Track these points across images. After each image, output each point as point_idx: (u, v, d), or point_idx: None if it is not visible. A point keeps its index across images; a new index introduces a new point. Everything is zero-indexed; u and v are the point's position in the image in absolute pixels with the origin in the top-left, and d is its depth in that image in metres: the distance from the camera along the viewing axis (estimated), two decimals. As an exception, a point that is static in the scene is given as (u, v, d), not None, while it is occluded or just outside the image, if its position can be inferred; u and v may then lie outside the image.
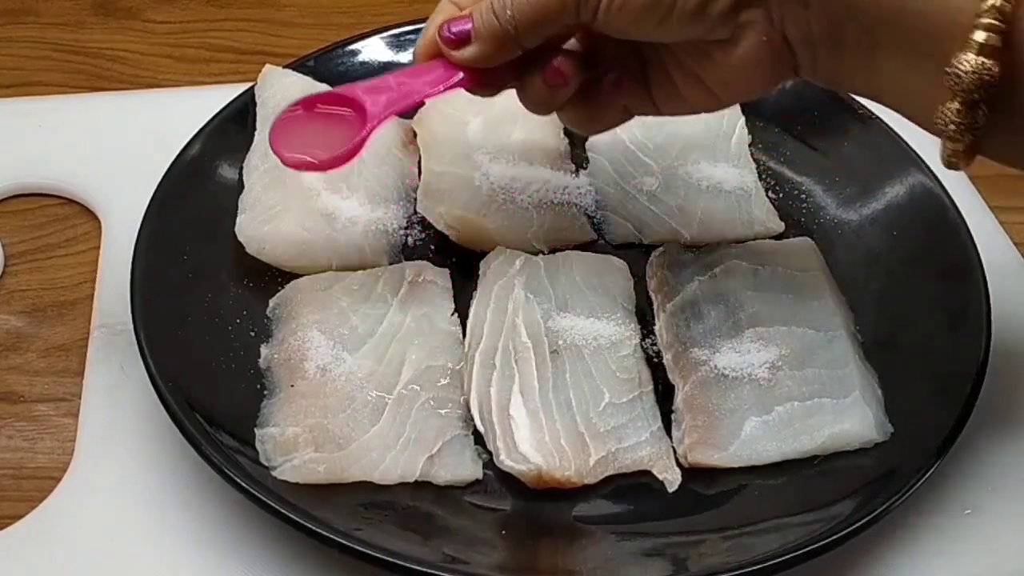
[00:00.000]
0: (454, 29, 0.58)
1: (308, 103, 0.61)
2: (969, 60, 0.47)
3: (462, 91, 0.79)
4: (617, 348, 0.65)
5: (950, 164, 0.51)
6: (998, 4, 0.46)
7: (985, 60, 0.47)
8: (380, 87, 0.60)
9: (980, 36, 0.47)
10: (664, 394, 0.64)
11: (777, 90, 0.79)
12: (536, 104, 0.61)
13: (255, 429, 0.60)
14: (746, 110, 0.79)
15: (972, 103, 0.48)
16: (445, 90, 0.59)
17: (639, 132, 0.78)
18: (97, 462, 0.62)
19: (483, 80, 0.60)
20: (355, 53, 0.81)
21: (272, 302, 0.67)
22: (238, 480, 0.55)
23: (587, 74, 0.60)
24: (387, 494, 0.58)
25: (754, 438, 0.61)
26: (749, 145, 0.78)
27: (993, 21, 0.47)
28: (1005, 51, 0.47)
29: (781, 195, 0.76)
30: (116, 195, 0.76)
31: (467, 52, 0.58)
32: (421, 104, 0.63)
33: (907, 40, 0.50)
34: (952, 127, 0.49)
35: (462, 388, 0.63)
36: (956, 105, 0.48)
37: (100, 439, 0.63)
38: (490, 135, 0.76)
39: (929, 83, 0.50)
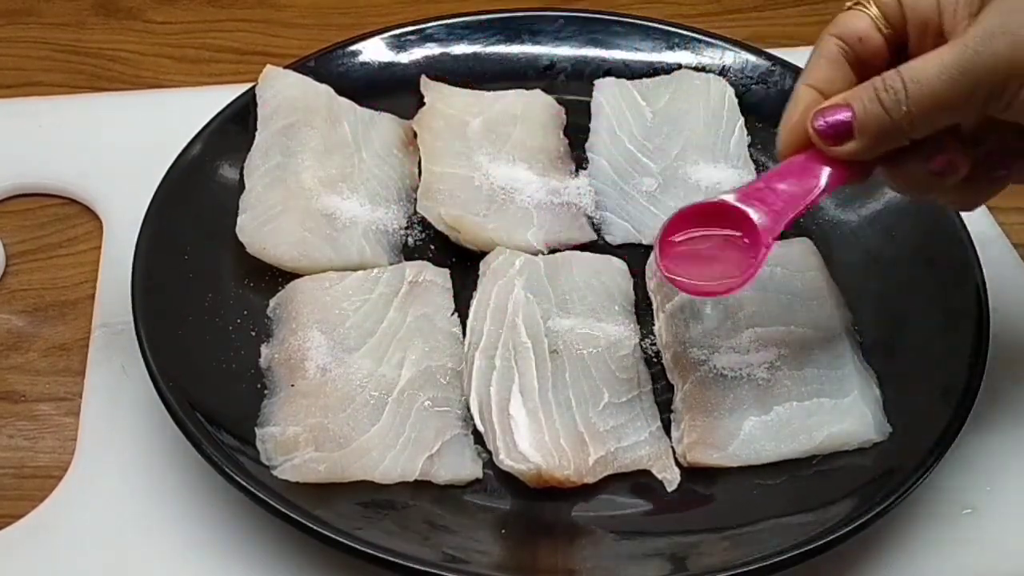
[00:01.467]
0: (830, 120, 0.53)
1: (689, 216, 0.58)
2: None
3: (461, 93, 0.80)
4: (616, 348, 0.65)
5: None
6: None
7: None
8: (761, 197, 0.56)
9: None
10: (663, 394, 0.64)
11: (777, 90, 0.80)
12: (914, 189, 0.56)
13: (256, 428, 0.60)
14: (746, 110, 0.79)
15: None
16: (828, 191, 0.55)
17: (638, 133, 0.78)
18: (98, 461, 0.62)
19: (862, 171, 0.55)
20: (356, 54, 0.81)
21: (272, 302, 0.67)
22: (239, 479, 0.56)
23: (976, 156, 0.54)
24: (387, 493, 0.59)
25: (753, 438, 0.61)
26: (748, 146, 0.78)
27: None
28: None
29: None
30: (117, 195, 0.76)
31: (848, 147, 0.53)
32: (805, 212, 0.57)
33: None
34: None
35: (462, 388, 0.63)
36: None
37: (101, 438, 0.63)
38: (490, 135, 0.77)
39: None
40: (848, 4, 0.56)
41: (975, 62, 0.49)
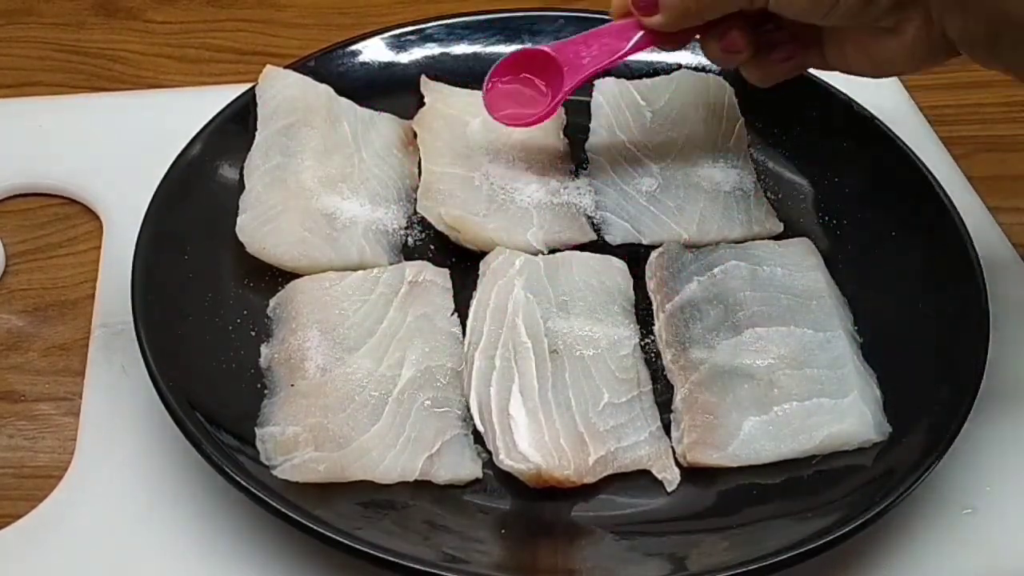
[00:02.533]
0: None
1: (508, 65, 0.70)
2: None
3: (461, 93, 0.80)
4: (616, 348, 0.65)
5: None
6: None
7: None
8: (576, 48, 0.69)
9: None
10: (663, 394, 0.64)
11: (777, 89, 0.80)
12: (714, 61, 0.68)
13: (255, 428, 0.60)
14: (746, 110, 0.79)
15: None
16: (637, 50, 0.67)
17: (638, 133, 0.78)
18: (98, 461, 0.62)
19: (668, 39, 0.67)
20: (356, 54, 0.81)
21: (272, 302, 0.67)
22: (238, 479, 0.56)
23: (762, 42, 0.65)
24: (387, 493, 0.59)
25: (753, 438, 0.61)
26: (748, 145, 0.78)
27: None
28: None
29: (781, 195, 0.76)
30: (117, 195, 0.76)
31: (655, 20, 0.65)
32: (615, 64, 0.69)
33: None
34: None
35: (462, 388, 0.63)
36: None
37: (101, 438, 0.63)
38: (490, 135, 0.77)
39: None
40: None
41: None
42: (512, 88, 0.70)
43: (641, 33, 0.67)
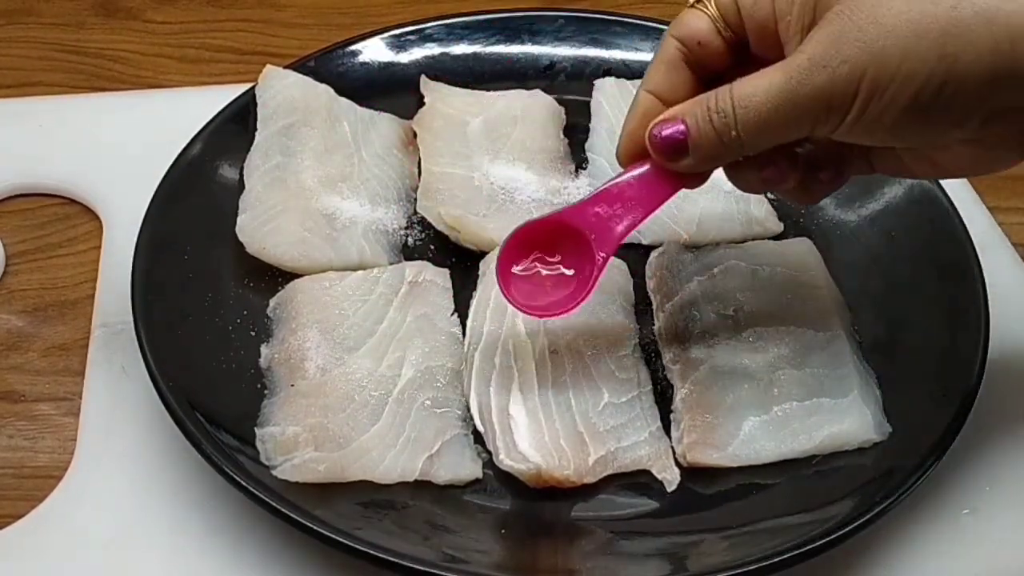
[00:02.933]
0: (665, 134, 0.53)
1: (523, 238, 0.59)
2: None
3: (461, 93, 0.80)
4: (616, 348, 0.65)
5: None
6: None
7: None
8: (598, 213, 0.57)
9: None
10: (663, 394, 0.64)
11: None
12: (749, 190, 0.58)
13: (255, 428, 0.60)
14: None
15: None
16: (665, 200, 0.57)
17: (639, 132, 0.78)
18: (98, 461, 0.62)
19: (700, 179, 0.56)
20: (356, 54, 0.81)
21: (272, 302, 0.67)
22: (238, 479, 0.56)
23: (803, 161, 0.56)
24: (387, 493, 0.59)
25: (753, 438, 0.61)
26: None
27: None
28: None
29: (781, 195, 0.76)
30: (117, 195, 0.76)
31: (684, 163, 0.54)
32: (638, 223, 0.59)
33: None
34: None
35: (462, 388, 0.63)
36: None
37: (101, 438, 0.63)
38: (490, 135, 0.77)
39: None
40: (690, 2, 0.55)
41: (799, 92, 0.49)
42: (529, 273, 0.60)
43: (665, 181, 0.56)
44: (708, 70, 0.55)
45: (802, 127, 0.51)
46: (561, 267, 0.60)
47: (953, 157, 0.53)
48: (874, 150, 0.56)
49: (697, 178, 0.56)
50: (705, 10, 0.54)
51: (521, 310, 0.59)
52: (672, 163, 0.54)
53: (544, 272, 0.60)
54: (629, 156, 0.57)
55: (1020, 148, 0.51)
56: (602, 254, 0.58)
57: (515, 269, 0.60)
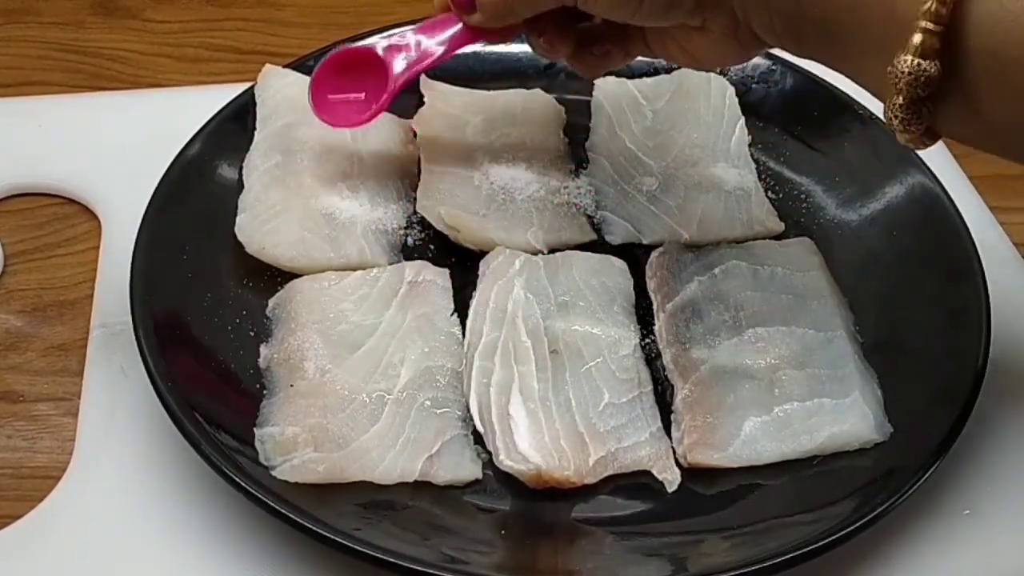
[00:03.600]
0: None
1: (336, 61, 0.68)
2: (907, 61, 0.49)
3: (461, 93, 0.80)
4: (617, 348, 0.65)
5: (907, 146, 0.54)
6: (934, 8, 0.48)
7: (921, 61, 0.49)
8: (400, 46, 0.68)
9: (917, 39, 0.49)
10: (664, 394, 0.64)
11: (777, 89, 0.80)
12: (541, 55, 0.68)
13: (254, 429, 0.60)
14: (746, 110, 0.79)
15: (915, 99, 0.50)
16: (458, 49, 0.67)
17: (639, 132, 0.78)
18: (96, 461, 0.62)
19: (490, 36, 0.67)
20: (355, 53, 0.80)
21: (272, 302, 0.67)
22: (237, 480, 0.55)
23: (584, 36, 0.65)
24: (387, 494, 0.59)
25: (754, 438, 0.61)
26: (749, 145, 0.78)
27: (929, 24, 0.48)
28: (944, 51, 0.49)
29: (781, 195, 0.76)
30: (116, 195, 0.76)
31: (474, 18, 0.65)
32: (438, 64, 0.68)
33: (857, 39, 0.53)
34: (898, 120, 0.51)
35: (462, 388, 0.63)
36: (900, 100, 0.50)
37: (99, 438, 0.63)
38: (490, 135, 0.77)
39: (879, 78, 0.52)
40: None
41: None
42: (338, 88, 0.69)
43: (461, 28, 0.67)
44: None
45: None
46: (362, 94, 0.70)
47: (694, 45, 0.62)
48: (647, 34, 0.65)
49: (494, 34, 0.67)
50: None
51: (325, 122, 0.69)
52: (466, 17, 0.66)
53: (352, 97, 0.70)
54: (440, 8, 0.68)
55: (735, 40, 0.60)
56: (394, 87, 0.68)
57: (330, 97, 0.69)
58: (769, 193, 0.76)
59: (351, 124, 0.70)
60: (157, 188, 0.69)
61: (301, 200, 0.71)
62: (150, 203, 0.68)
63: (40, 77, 0.88)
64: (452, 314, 0.67)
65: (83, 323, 0.69)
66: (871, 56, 0.52)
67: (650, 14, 0.59)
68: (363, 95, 0.69)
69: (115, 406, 0.64)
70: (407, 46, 0.68)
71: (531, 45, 0.67)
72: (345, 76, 0.69)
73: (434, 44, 0.67)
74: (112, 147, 0.79)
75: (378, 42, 0.68)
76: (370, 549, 0.53)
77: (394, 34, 0.68)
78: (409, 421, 0.61)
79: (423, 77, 0.80)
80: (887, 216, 0.72)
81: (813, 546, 0.54)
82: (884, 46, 0.51)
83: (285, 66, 0.78)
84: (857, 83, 0.56)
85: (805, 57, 0.58)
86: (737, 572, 0.53)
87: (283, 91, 0.75)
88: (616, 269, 0.70)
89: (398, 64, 0.68)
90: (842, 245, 0.72)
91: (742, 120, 0.79)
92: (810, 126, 0.78)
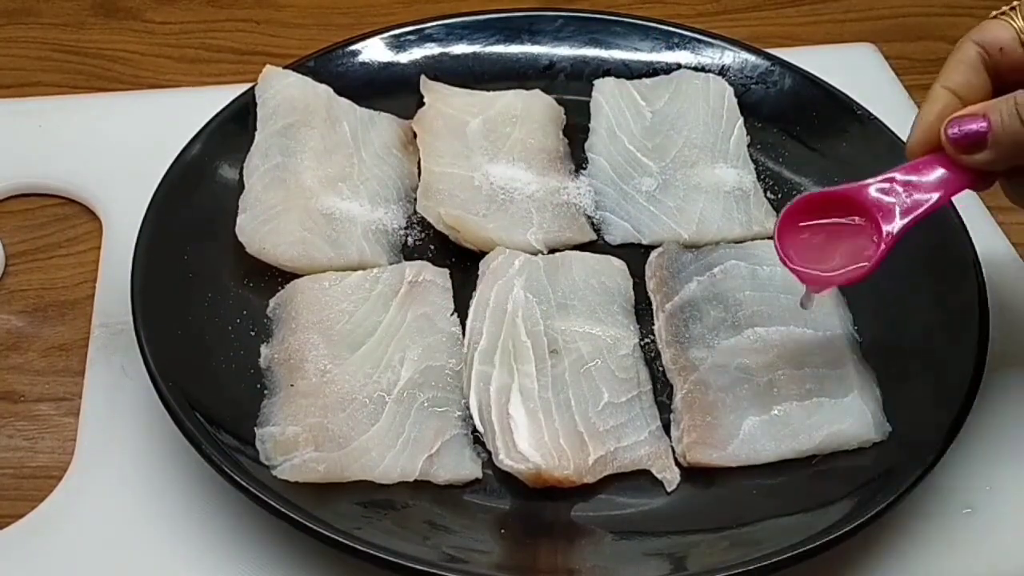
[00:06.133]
0: (965, 129, 0.54)
1: (810, 203, 0.58)
2: None
3: (461, 93, 0.80)
4: (616, 348, 0.65)
5: None
6: None
7: None
8: (885, 190, 0.57)
9: None
10: (663, 394, 0.64)
11: (776, 90, 0.80)
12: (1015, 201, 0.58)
13: (255, 428, 0.60)
14: (745, 111, 0.79)
15: None
16: (950, 196, 0.57)
17: (638, 133, 0.78)
18: (97, 461, 0.62)
19: (985, 180, 0.57)
20: (355, 54, 0.81)
21: (272, 302, 0.67)
22: (238, 479, 0.56)
23: None
24: (387, 493, 0.59)
25: (753, 437, 0.61)
26: (748, 146, 0.78)
27: None
28: None
29: (780, 195, 0.76)
30: (116, 195, 0.76)
31: (980, 157, 0.54)
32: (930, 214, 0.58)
33: None
34: None
35: (461, 388, 0.63)
36: None
37: (100, 438, 0.63)
38: (490, 135, 0.77)
39: None
40: (995, 13, 0.57)
41: None
42: (808, 234, 0.58)
43: (953, 176, 0.56)
44: (1003, 79, 0.57)
45: None
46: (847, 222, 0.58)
47: None
48: None
49: (984, 179, 0.57)
50: (1011, 22, 0.57)
51: (798, 275, 0.58)
52: (966, 156, 0.55)
53: (830, 224, 0.58)
54: (921, 147, 0.57)
55: None
56: (889, 239, 0.57)
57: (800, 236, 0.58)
58: (768, 193, 0.76)
59: (843, 279, 0.58)
60: (158, 188, 0.69)
61: (301, 200, 0.71)
62: (151, 203, 0.68)
63: (41, 78, 0.89)
64: (452, 314, 0.67)
65: (84, 323, 0.69)
66: None
67: None
68: (842, 239, 0.58)
69: (116, 406, 0.64)
70: (890, 193, 0.57)
71: (1016, 189, 0.57)
72: (813, 220, 0.58)
73: (923, 195, 0.56)
74: (113, 148, 0.79)
75: (859, 187, 0.58)
76: (370, 548, 0.53)
77: (879, 179, 0.57)
78: (409, 421, 0.61)
79: (423, 78, 0.80)
80: (886, 216, 0.72)
81: (812, 545, 0.55)
82: None
83: (285, 67, 0.78)
84: None
85: None
86: (736, 571, 0.53)
87: (283, 92, 0.76)
88: (616, 269, 0.70)
89: (888, 218, 0.57)
90: (841, 245, 0.72)
91: (741, 120, 0.79)
92: (809, 126, 0.78)
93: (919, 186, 0.57)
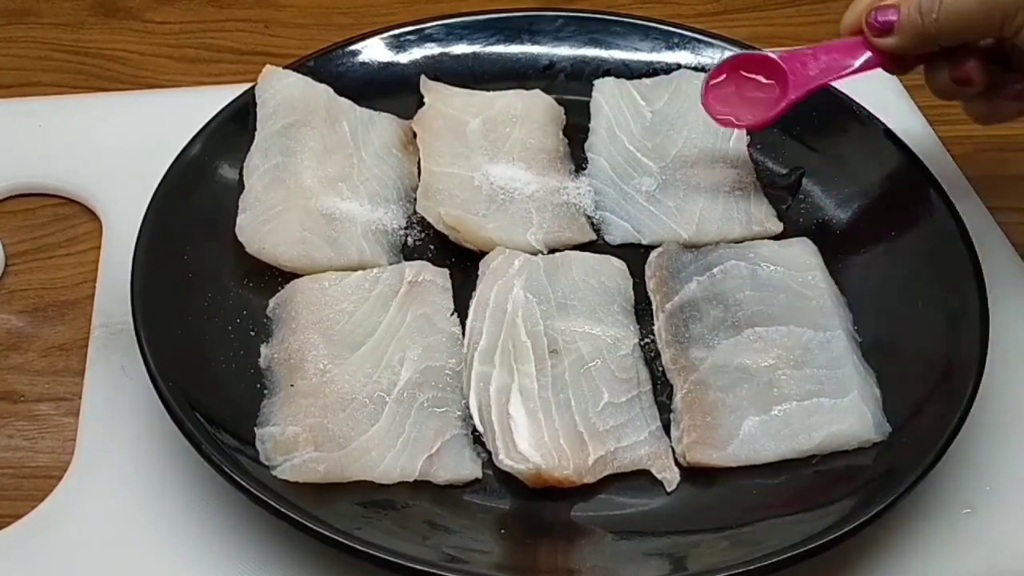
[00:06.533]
0: (880, 19, 0.65)
1: (733, 65, 0.70)
2: None
3: (461, 93, 0.80)
4: (616, 348, 0.65)
5: None
6: None
7: None
8: (803, 58, 0.68)
9: None
10: (663, 394, 0.64)
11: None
12: (939, 94, 0.67)
13: (255, 428, 0.60)
14: (745, 111, 0.79)
15: None
16: (863, 70, 0.67)
17: (638, 133, 0.78)
18: (97, 461, 0.62)
19: (895, 64, 0.67)
20: (355, 54, 0.81)
21: (272, 302, 0.67)
22: (238, 479, 0.56)
23: (994, 76, 0.65)
24: (387, 493, 0.59)
25: (752, 437, 0.61)
26: (748, 146, 0.78)
27: None
28: None
29: (780, 195, 0.76)
30: (116, 195, 0.76)
31: (887, 42, 0.65)
32: (840, 78, 0.69)
33: None
34: None
35: (461, 388, 0.63)
36: None
37: (100, 438, 0.63)
38: (490, 135, 0.77)
39: None
40: None
41: None
42: (730, 90, 0.70)
43: (869, 54, 0.66)
44: None
45: (992, 22, 0.60)
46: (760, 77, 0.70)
47: None
48: None
49: (895, 63, 0.67)
50: None
51: (714, 117, 0.70)
52: (878, 40, 0.65)
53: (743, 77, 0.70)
54: (849, 29, 0.67)
55: None
56: (793, 96, 0.68)
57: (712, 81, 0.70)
58: (768, 193, 0.76)
59: (744, 124, 0.71)
60: (158, 188, 0.69)
61: (301, 200, 0.71)
62: (151, 203, 0.68)
63: (41, 78, 0.89)
64: (452, 314, 0.67)
65: (84, 323, 0.69)
66: None
67: None
68: (760, 95, 0.70)
69: (116, 406, 0.64)
70: (810, 60, 0.68)
71: (932, 80, 0.66)
72: (739, 80, 0.70)
73: (837, 64, 0.67)
74: (113, 148, 0.79)
75: (774, 53, 0.69)
76: (370, 548, 0.53)
77: (795, 50, 0.69)
78: (409, 421, 0.61)
79: (423, 78, 0.80)
80: (886, 216, 0.72)
81: (812, 545, 0.54)
82: None
83: (285, 67, 0.78)
84: None
85: None
86: (736, 571, 0.53)
87: (283, 92, 0.76)
88: (615, 269, 0.70)
89: (799, 73, 0.68)
90: (841, 245, 0.72)
91: (741, 120, 0.79)
92: (809, 126, 0.78)
93: (837, 59, 0.68)
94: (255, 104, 0.75)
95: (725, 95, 0.70)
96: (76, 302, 0.71)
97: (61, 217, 0.77)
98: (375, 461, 0.59)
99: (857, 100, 0.77)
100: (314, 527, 0.54)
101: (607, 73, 0.82)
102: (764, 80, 0.70)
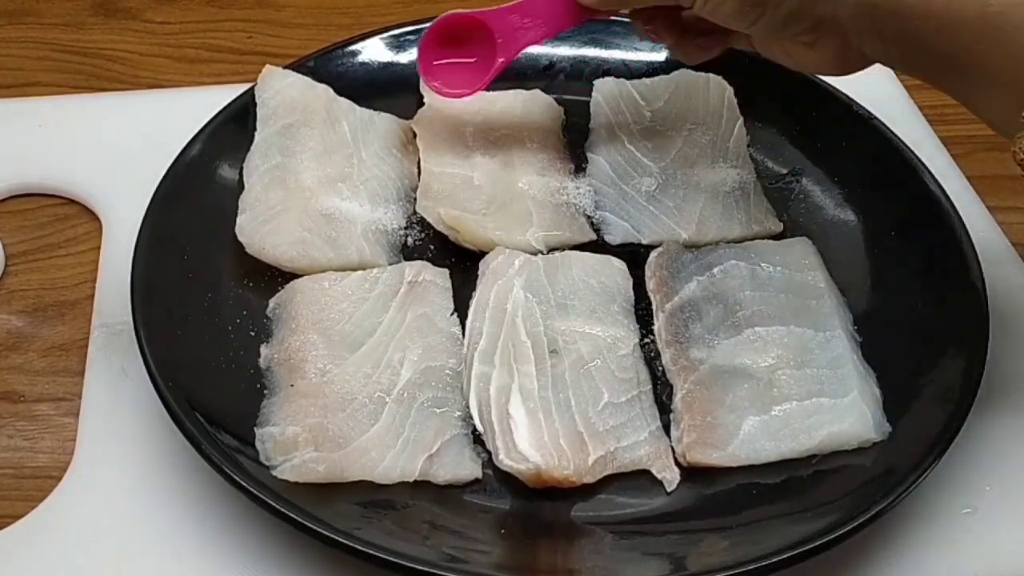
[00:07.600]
0: None
1: (444, 27, 0.70)
2: None
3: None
4: (616, 348, 0.65)
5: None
6: None
7: None
8: (507, 18, 0.70)
9: None
10: (663, 394, 0.64)
11: (776, 90, 0.80)
12: (641, 38, 0.74)
13: (255, 429, 0.60)
14: (746, 111, 0.79)
15: None
16: (571, 24, 0.70)
17: (638, 133, 0.78)
18: (97, 461, 0.62)
19: (600, 16, 0.71)
20: (355, 54, 0.81)
21: (272, 302, 0.67)
22: (238, 479, 0.56)
23: (690, 27, 0.68)
24: (387, 493, 0.59)
25: (753, 437, 0.61)
26: (748, 145, 0.78)
27: None
28: None
29: (780, 195, 0.76)
30: (116, 195, 0.76)
31: (587, 0, 0.69)
32: (542, 39, 0.72)
33: (982, 74, 0.55)
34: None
35: (461, 388, 0.63)
36: None
37: (100, 438, 0.63)
38: (490, 135, 0.77)
39: (1004, 112, 0.53)
40: None
41: None
42: (446, 57, 0.72)
43: (571, 8, 0.69)
44: None
45: None
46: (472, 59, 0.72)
47: (800, 54, 0.64)
48: (754, 35, 0.66)
49: (600, 16, 0.71)
50: None
51: (435, 90, 0.72)
52: None
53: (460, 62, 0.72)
54: None
55: (842, 57, 0.62)
56: (501, 58, 0.71)
57: (436, 62, 0.72)
58: (768, 193, 0.76)
59: (461, 92, 0.72)
60: (157, 188, 0.69)
61: (301, 200, 0.71)
62: (151, 203, 0.68)
63: (41, 78, 0.89)
64: (452, 314, 0.67)
65: (84, 323, 0.69)
66: (998, 89, 0.54)
67: (767, 28, 0.62)
68: (474, 60, 0.72)
69: (116, 406, 0.64)
70: (513, 19, 0.70)
71: (634, 28, 0.71)
72: (451, 45, 0.71)
73: (542, 20, 0.70)
74: (113, 148, 0.79)
75: (484, 13, 0.70)
76: (370, 548, 0.53)
77: (501, 8, 0.70)
78: (409, 421, 0.61)
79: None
80: (886, 216, 0.72)
81: (812, 545, 0.55)
82: (1017, 84, 0.52)
83: (285, 67, 0.78)
84: (970, 110, 0.57)
85: (911, 76, 0.61)
86: (736, 571, 0.53)
87: (283, 92, 0.76)
88: (615, 269, 0.70)
89: (506, 34, 0.70)
90: (841, 245, 0.72)
91: (741, 120, 0.79)
92: (810, 126, 0.78)
93: (543, 15, 0.70)
94: (255, 104, 0.75)
95: (441, 63, 0.72)
96: (76, 302, 0.71)
97: (61, 217, 0.77)
98: (375, 461, 0.59)
99: (857, 100, 0.77)
100: (314, 527, 0.54)
101: (607, 73, 0.82)
102: (476, 44, 0.71)
